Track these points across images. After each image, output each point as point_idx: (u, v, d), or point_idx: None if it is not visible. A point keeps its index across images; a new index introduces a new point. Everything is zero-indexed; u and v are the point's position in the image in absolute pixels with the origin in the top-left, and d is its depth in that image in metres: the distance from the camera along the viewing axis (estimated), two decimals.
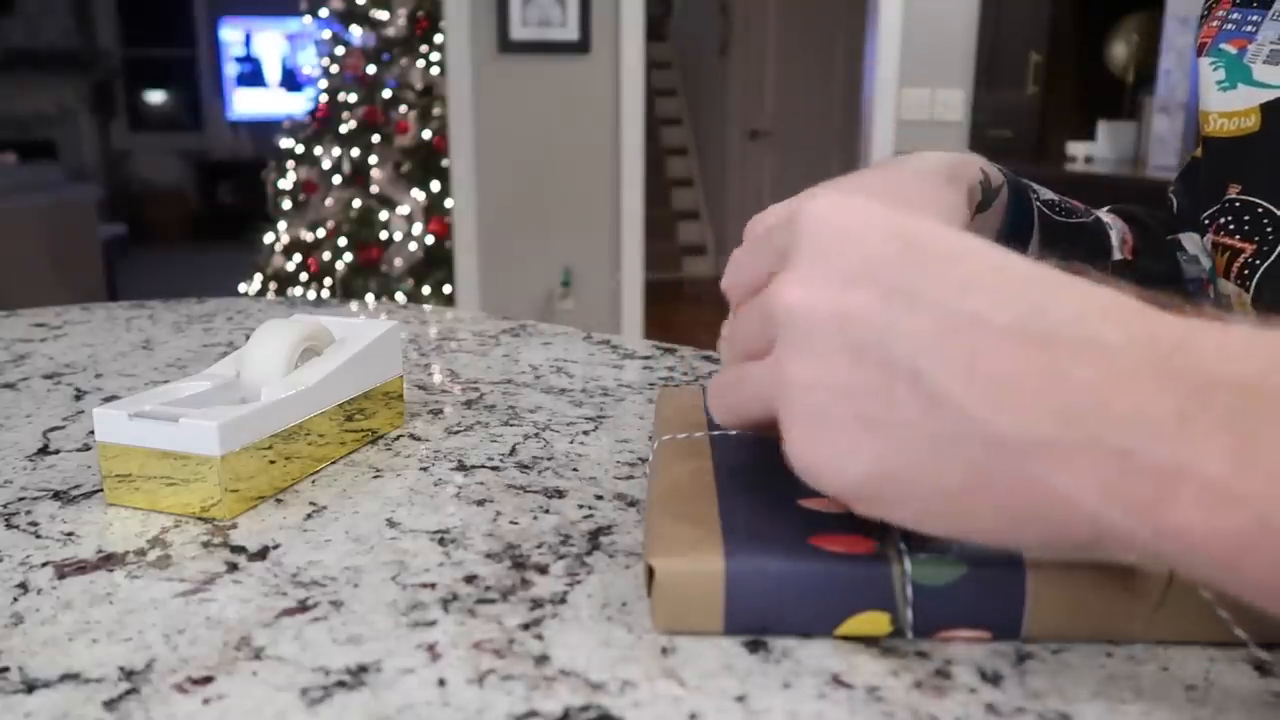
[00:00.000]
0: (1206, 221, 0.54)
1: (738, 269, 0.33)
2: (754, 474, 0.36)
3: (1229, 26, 0.52)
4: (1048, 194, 0.56)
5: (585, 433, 0.51)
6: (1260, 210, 0.50)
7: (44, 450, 0.48)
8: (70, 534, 0.38)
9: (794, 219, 0.30)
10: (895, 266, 0.27)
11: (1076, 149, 3.23)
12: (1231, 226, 0.52)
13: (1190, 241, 0.61)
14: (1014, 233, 0.53)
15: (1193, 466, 0.22)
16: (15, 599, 0.33)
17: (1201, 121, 0.54)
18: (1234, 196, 0.52)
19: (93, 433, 0.51)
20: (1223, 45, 0.52)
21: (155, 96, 8.49)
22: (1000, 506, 0.26)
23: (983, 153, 0.52)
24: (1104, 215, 0.60)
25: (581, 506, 0.41)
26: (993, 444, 0.25)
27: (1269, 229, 0.50)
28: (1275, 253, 0.49)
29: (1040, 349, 0.25)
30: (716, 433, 0.40)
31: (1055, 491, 0.24)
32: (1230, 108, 0.52)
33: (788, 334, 0.28)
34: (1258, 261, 0.50)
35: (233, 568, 0.36)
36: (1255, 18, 0.51)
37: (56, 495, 0.42)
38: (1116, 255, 0.58)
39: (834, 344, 0.27)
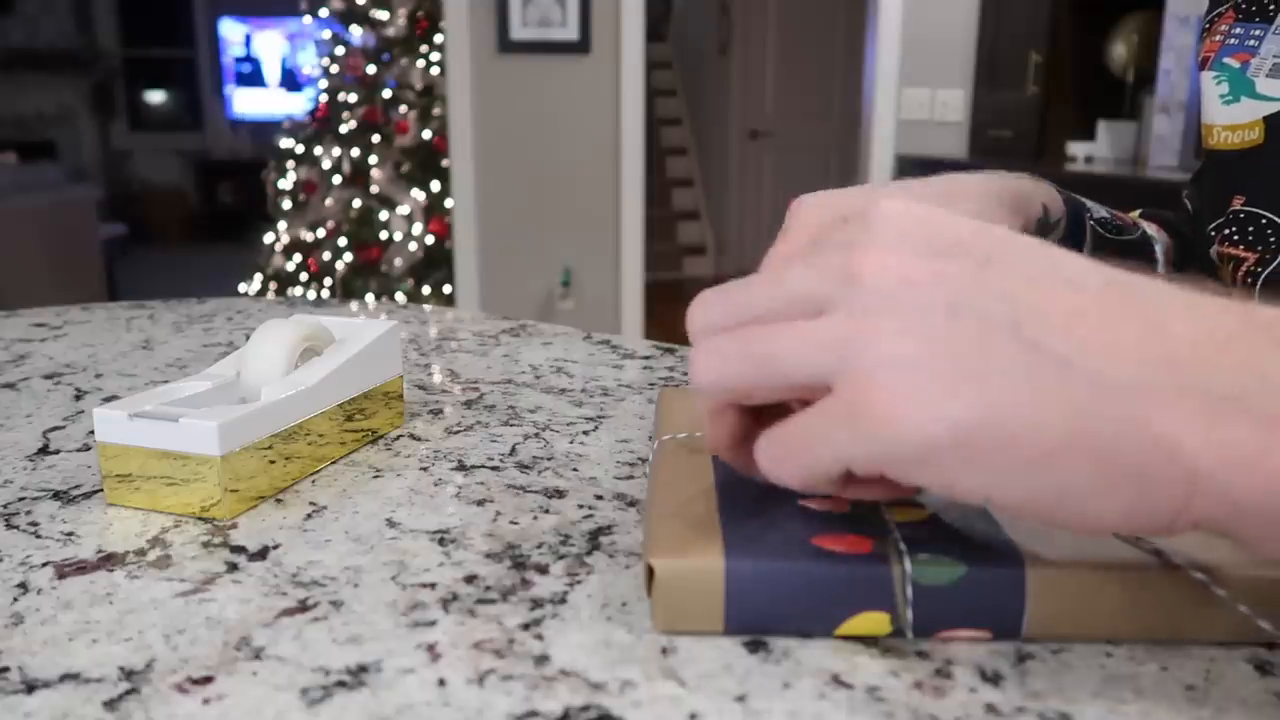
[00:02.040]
0: (1213, 234, 0.55)
1: (789, 267, 0.29)
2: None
3: (1231, 41, 0.52)
4: (1100, 211, 0.56)
5: (585, 433, 0.51)
6: (1264, 221, 0.51)
7: (44, 450, 0.48)
8: (70, 534, 0.38)
9: (866, 215, 0.28)
10: (981, 242, 0.27)
11: (1076, 149, 3.23)
12: (1236, 237, 0.52)
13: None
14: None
15: None
16: (15, 599, 0.33)
17: (1205, 135, 0.55)
18: (1238, 208, 0.52)
19: (93, 433, 0.51)
20: (1226, 59, 0.53)
21: (155, 96, 8.49)
22: (1094, 456, 0.24)
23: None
24: (1147, 227, 0.60)
25: (581, 506, 0.41)
26: (1096, 385, 0.24)
27: (1272, 238, 0.50)
28: (1277, 260, 0.50)
29: (1140, 310, 0.25)
30: None
31: (1158, 434, 0.24)
32: (1234, 121, 0.52)
33: (874, 294, 0.26)
34: (1260, 269, 0.50)
35: (233, 568, 0.36)
36: (1258, 32, 0.51)
37: (56, 495, 0.42)
38: (1160, 269, 0.59)
39: (927, 302, 0.26)
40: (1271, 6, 0.51)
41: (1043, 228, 0.49)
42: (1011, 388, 0.25)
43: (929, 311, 0.26)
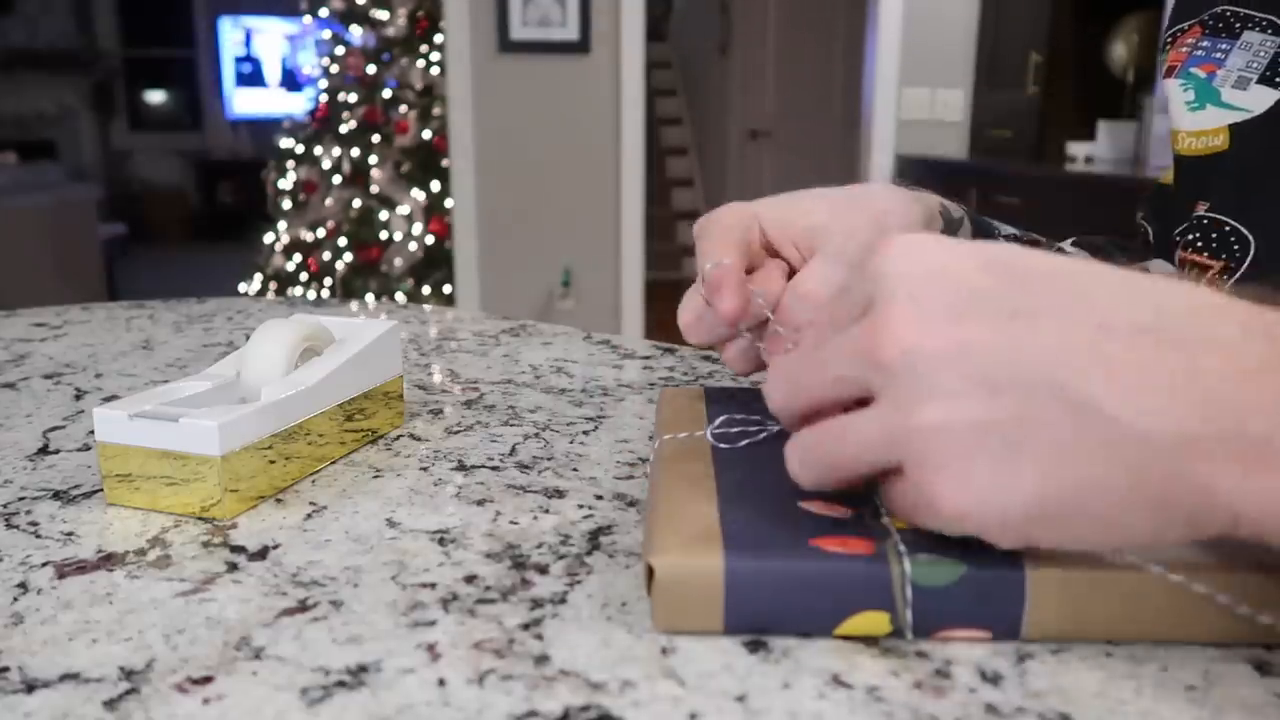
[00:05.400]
0: (1177, 239, 0.55)
1: (822, 349, 0.31)
2: (754, 475, 0.36)
3: (1199, 53, 0.53)
4: (1008, 229, 0.57)
5: (585, 433, 0.51)
6: (1228, 229, 0.51)
7: (44, 450, 0.48)
8: (70, 534, 0.38)
9: (871, 269, 0.29)
10: (1002, 291, 0.27)
11: (1076, 149, 3.23)
12: (1200, 244, 0.52)
13: (1159, 268, 0.62)
14: None
15: None
16: (15, 599, 0.33)
17: (1173, 141, 0.55)
18: (1202, 214, 0.52)
19: (93, 433, 0.51)
20: (1192, 69, 0.53)
21: (155, 96, 8.49)
22: (1152, 507, 0.26)
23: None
24: (1068, 248, 0.61)
25: (581, 506, 0.41)
26: (1144, 444, 0.25)
27: (1235, 246, 0.50)
28: (1241, 269, 0.50)
29: (1170, 348, 0.26)
30: (717, 432, 0.40)
31: (1199, 484, 0.25)
32: (1199, 127, 0.53)
33: (906, 379, 0.27)
34: (1225, 278, 0.51)
35: (233, 568, 0.36)
36: (1224, 46, 0.52)
37: (56, 495, 0.42)
38: None
39: (963, 380, 0.27)
40: (1237, 24, 0.52)
41: (948, 222, 0.51)
42: (1069, 459, 0.26)
43: (968, 392, 0.27)
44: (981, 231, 0.54)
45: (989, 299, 0.27)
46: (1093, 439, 0.26)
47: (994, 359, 0.27)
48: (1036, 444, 0.26)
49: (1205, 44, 0.53)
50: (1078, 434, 0.26)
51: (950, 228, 0.51)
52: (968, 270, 0.28)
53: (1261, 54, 0.50)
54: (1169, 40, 0.56)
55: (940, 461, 0.27)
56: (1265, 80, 0.50)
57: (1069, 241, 0.64)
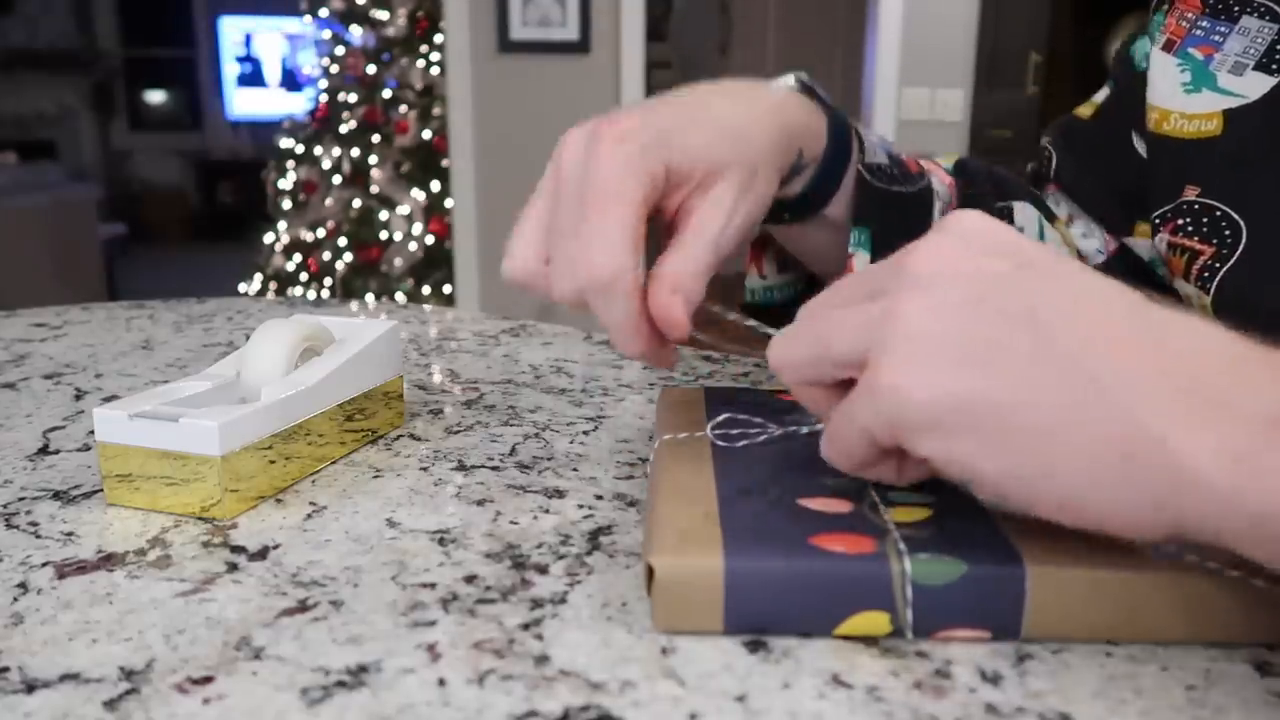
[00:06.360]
0: (1158, 221, 0.55)
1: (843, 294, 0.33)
2: (754, 474, 0.36)
3: (1198, 32, 0.53)
4: (882, 156, 0.53)
5: (585, 433, 0.51)
6: (1219, 214, 0.51)
7: (44, 450, 0.48)
8: (70, 534, 0.38)
9: (945, 224, 0.31)
10: (1031, 248, 0.30)
11: None
12: (1190, 228, 0.52)
13: (1022, 213, 0.60)
14: (817, 189, 0.51)
15: None
16: (15, 599, 0.33)
17: (1160, 118, 0.54)
18: (1192, 199, 0.52)
19: (93, 433, 0.51)
20: (1191, 50, 0.53)
21: (155, 96, 8.49)
22: (1087, 449, 0.26)
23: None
24: (937, 181, 0.59)
25: (581, 506, 0.41)
26: (1095, 381, 0.26)
27: (1227, 232, 0.50)
28: (1235, 256, 0.50)
29: (1158, 332, 0.27)
30: (717, 431, 0.40)
31: (1145, 423, 0.25)
32: (1193, 110, 0.53)
33: (912, 278, 0.29)
34: (1217, 264, 0.51)
35: (233, 568, 0.36)
36: (1223, 29, 0.52)
37: (56, 495, 0.42)
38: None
39: (957, 293, 0.28)
40: (1236, 7, 0.51)
41: (795, 169, 0.48)
42: (1013, 370, 0.27)
43: (955, 303, 0.28)
44: (838, 160, 0.51)
45: (1017, 248, 0.30)
46: (1043, 365, 0.27)
47: (992, 286, 0.28)
48: (988, 356, 0.27)
49: (1204, 24, 0.53)
50: (1031, 357, 0.27)
51: (793, 171, 0.48)
52: (1001, 230, 0.30)
53: (1259, 40, 0.50)
54: (1165, 5, 0.56)
55: (901, 340, 0.28)
56: (1261, 66, 0.50)
57: (953, 162, 0.64)
